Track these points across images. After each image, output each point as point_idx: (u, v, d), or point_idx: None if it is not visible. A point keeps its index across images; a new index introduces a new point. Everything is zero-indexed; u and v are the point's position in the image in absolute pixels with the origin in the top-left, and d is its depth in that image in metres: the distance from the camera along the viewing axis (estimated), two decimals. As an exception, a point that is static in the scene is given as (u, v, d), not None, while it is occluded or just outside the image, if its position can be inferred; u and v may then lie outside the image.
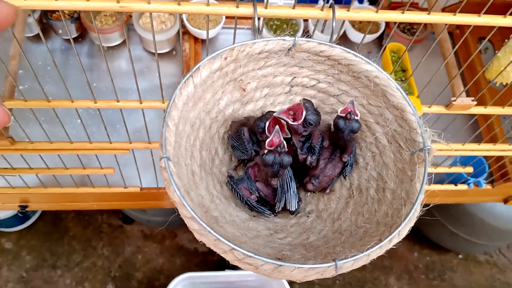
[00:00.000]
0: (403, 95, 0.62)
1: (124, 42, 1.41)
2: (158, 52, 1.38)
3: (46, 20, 1.35)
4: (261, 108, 0.70)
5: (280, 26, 1.38)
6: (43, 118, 1.29)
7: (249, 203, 0.64)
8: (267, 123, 0.62)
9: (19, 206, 1.21)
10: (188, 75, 0.61)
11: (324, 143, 0.66)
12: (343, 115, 0.64)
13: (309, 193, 0.70)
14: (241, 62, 0.65)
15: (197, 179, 0.60)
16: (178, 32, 1.37)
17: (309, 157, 0.65)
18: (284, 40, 0.64)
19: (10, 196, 1.17)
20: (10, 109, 0.96)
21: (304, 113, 0.60)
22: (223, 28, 1.39)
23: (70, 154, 1.00)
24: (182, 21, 1.36)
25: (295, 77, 0.69)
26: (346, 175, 0.67)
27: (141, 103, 0.84)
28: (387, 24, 1.46)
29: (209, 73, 0.62)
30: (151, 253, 2.25)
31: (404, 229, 0.54)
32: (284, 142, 0.59)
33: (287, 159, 0.60)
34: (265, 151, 0.60)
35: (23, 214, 1.30)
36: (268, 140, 0.60)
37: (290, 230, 0.63)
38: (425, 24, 1.48)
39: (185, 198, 0.52)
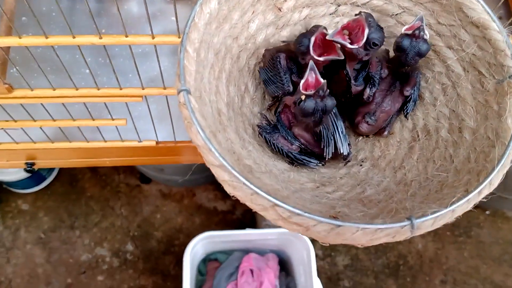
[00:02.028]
0: (485, 8, 0.48)
1: (135, -18, 1.27)
2: (172, -8, 1.24)
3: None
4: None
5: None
6: (49, 69, 1.18)
7: (292, 155, 0.52)
8: (312, 40, 0.48)
9: (26, 163, 1.12)
10: (210, -13, 0.48)
11: (382, 72, 0.53)
12: (409, 32, 0.50)
13: (360, 138, 0.57)
14: (277, -28, 0.51)
15: (224, 119, 0.48)
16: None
17: (367, 90, 0.52)
18: None
19: (14, 153, 1.06)
20: (7, 51, 0.84)
21: (366, 30, 0.46)
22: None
23: (78, 106, 0.88)
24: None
25: (342, -8, 0.56)
26: (408, 113, 0.54)
27: (153, 37, 0.70)
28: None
29: (237, -15, 0.48)
30: (170, 212, 2.20)
31: (497, 177, 0.41)
32: (325, 82, 0.46)
33: (330, 103, 0.47)
34: (302, 97, 0.47)
35: (31, 172, 1.21)
36: (302, 81, 0.47)
37: (340, 182, 0.51)
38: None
39: (212, 141, 0.40)
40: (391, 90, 0.53)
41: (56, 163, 1.20)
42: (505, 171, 0.42)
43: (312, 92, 0.46)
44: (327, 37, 0.47)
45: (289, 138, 0.51)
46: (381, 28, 0.48)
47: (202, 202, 2.30)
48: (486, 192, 0.41)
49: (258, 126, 0.53)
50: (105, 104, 0.91)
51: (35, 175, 1.90)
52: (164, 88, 0.85)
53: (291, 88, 0.52)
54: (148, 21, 0.68)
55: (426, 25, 0.54)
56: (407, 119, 0.55)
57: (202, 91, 0.45)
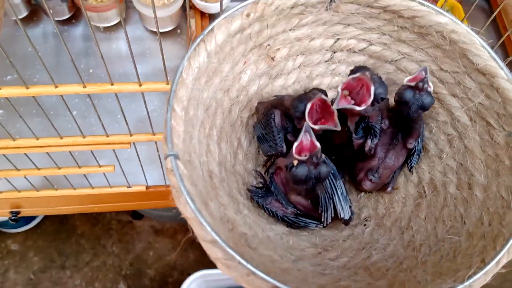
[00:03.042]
0: (491, 55, 0.45)
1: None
2: (160, 30, 1.21)
3: (35, 0, 1.19)
4: (294, 84, 0.54)
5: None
6: (34, 111, 1.15)
7: (288, 219, 0.48)
8: (308, 107, 0.44)
9: (10, 212, 1.07)
10: (198, 39, 0.45)
11: (383, 123, 0.49)
12: (412, 84, 0.47)
13: (362, 194, 0.53)
14: (268, 20, 0.48)
15: (217, 181, 0.44)
16: (183, 5, 1.20)
17: (368, 141, 0.48)
18: (325, -12, 0.47)
19: (-2, 202, 1.02)
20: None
21: (372, 88, 0.43)
22: (231, 1, 1.21)
23: (64, 152, 0.84)
24: (186, -7, 1.19)
25: (338, 38, 0.52)
26: (412, 167, 0.50)
27: (140, 85, 0.67)
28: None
29: (227, 37, 0.45)
30: (163, 249, 2.13)
31: (516, 245, 0.37)
32: (320, 148, 0.43)
33: (325, 170, 0.43)
34: (294, 162, 0.43)
35: (15, 221, 1.17)
36: (296, 144, 0.43)
37: (343, 245, 0.47)
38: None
39: (203, 213, 0.36)
40: (393, 144, 0.49)
41: (42, 210, 1.15)
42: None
43: (306, 157, 0.42)
44: (333, 107, 0.43)
45: (284, 202, 0.47)
46: (380, 78, 0.44)
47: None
48: (504, 261, 0.37)
49: (249, 190, 0.49)
50: (92, 152, 0.87)
51: (25, 213, 1.84)
52: (153, 134, 0.82)
53: (284, 149, 0.48)
54: (134, 68, 0.65)
55: (429, 72, 0.51)
56: (412, 173, 0.52)
57: (192, 152, 0.42)
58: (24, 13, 1.22)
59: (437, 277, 0.37)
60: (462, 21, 0.47)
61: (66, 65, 1.23)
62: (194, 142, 0.42)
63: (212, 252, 0.36)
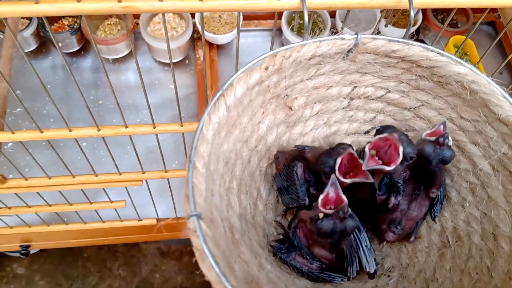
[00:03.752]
0: (513, 105, 0.45)
1: (131, 53, 1.25)
2: (169, 61, 1.22)
3: (44, 34, 1.20)
4: (312, 131, 0.54)
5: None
6: (44, 143, 1.15)
7: (313, 275, 0.47)
8: (339, 160, 0.44)
9: (21, 246, 1.06)
10: (218, 94, 0.44)
11: (405, 174, 0.49)
12: (432, 139, 0.47)
13: (384, 243, 0.52)
14: (286, 72, 0.48)
15: (238, 237, 0.44)
16: (192, 37, 1.21)
17: (392, 199, 0.48)
18: (342, 39, 0.47)
19: (9, 237, 1.01)
20: (-1, 145, 0.80)
21: (401, 149, 0.42)
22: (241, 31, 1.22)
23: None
24: (195, 26, 1.20)
25: (355, 86, 0.52)
26: (435, 216, 0.50)
27: (154, 127, 0.67)
28: (425, 15, 1.29)
29: (246, 90, 0.45)
30: (170, 271, 2.11)
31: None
32: (347, 203, 0.42)
33: (352, 224, 0.43)
34: (320, 214, 0.43)
35: (25, 255, 1.17)
36: (322, 196, 0.43)
37: (368, 298, 0.46)
38: (467, 15, 1.30)
39: (228, 276, 0.36)
40: (415, 194, 0.49)
41: (53, 244, 1.15)
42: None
43: (332, 211, 0.42)
44: (363, 168, 0.43)
45: (308, 257, 0.47)
46: (407, 137, 0.44)
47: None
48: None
49: (271, 246, 0.48)
50: (104, 189, 0.87)
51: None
52: (166, 171, 0.82)
53: (307, 202, 0.47)
54: (149, 109, 0.65)
55: (447, 119, 0.51)
56: (435, 222, 0.51)
57: (213, 209, 0.41)
58: (34, 46, 1.23)
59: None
60: (477, 64, 0.47)
61: (76, 96, 1.24)
62: (215, 198, 0.42)
63: (239, 319, 0.35)
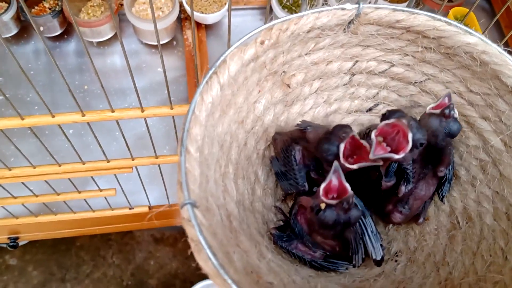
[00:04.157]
0: (527, 76, 0.42)
1: (116, 35, 1.21)
2: (155, 43, 1.17)
3: (24, 17, 1.15)
4: (311, 109, 0.50)
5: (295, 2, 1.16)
6: (29, 132, 1.10)
7: (317, 264, 0.44)
8: (342, 146, 0.41)
9: (8, 238, 1.03)
10: (210, 71, 0.41)
11: (413, 154, 0.46)
12: (437, 111, 0.44)
13: (390, 225, 0.50)
14: (284, 46, 0.45)
15: (236, 224, 0.40)
16: (178, 17, 1.16)
17: (402, 188, 0.45)
18: (343, 9, 0.44)
19: (-5, 229, 0.98)
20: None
21: (410, 135, 0.39)
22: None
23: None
24: (181, 5, 1.15)
25: (357, 61, 0.49)
26: (444, 196, 0.47)
27: (142, 111, 0.63)
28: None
29: (241, 67, 0.42)
30: (164, 258, 2.09)
31: None
32: (352, 194, 0.39)
33: (356, 215, 0.40)
34: (321, 205, 0.40)
35: (14, 247, 1.13)
36: (324, 185, 0.40)
37: (375, 285, 0.43)
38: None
39: (226, 268, 0.33)
40: (423, 173, 0.46)
41: (42, 235, 1.11)
42: None
43: (335, 202, 0.39)
44: (370, 157, 0.39)
45: (310, 245, 0.44)
46: (416, 122, 0.41)
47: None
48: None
49: (272, 234, 0.45)
50: (92, 177, 0.83)
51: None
52: (156, 157, 0.78)
53: (306, 187, 0.44)
54: (136, 92, 0.61)
55: (455, 93, 0.48)
56: (444, 202, 0.48)
57: (209, 196, 0.38)
58: (15, 31, 1.17)
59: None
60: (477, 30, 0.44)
61: (60, 82, 1.19)
62: (211, 184, 0.39)
63: (240, 313, 0.32)
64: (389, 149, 0.40)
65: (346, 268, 0.44)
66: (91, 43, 1.21)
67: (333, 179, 0.39)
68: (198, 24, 1.21)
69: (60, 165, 0.75)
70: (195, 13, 1.14)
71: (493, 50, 0.43)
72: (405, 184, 0.44)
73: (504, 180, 0.44)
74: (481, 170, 0.46)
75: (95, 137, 0.70)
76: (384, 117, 0.41)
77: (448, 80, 0.47)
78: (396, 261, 0.46)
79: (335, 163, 0.39)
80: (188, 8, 1.16)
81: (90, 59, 0.50)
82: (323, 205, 0.39)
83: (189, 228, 0.35)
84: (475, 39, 0.43)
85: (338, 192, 0.39)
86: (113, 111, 0.63)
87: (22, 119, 0.62)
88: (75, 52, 1.25)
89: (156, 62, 1.22)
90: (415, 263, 0.45)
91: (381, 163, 0.40)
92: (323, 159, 0.41)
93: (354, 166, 0.40)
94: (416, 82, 0.49)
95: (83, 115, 0.63)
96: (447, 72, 0.47)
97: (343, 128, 0.41)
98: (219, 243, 0.35)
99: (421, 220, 0.47)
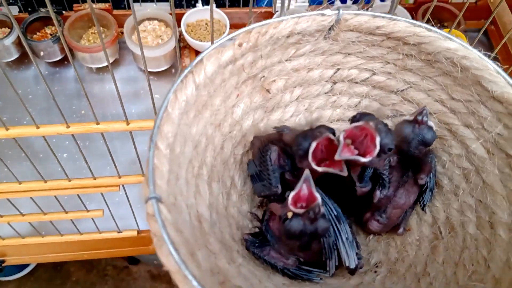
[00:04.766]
0: (508, 81, 0.41)
1: (116, 61, 1.22)
2: (155, 70, 1.19)
3: (26, 42, 1.17)
4: (292, 117, 0.50)
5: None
6: (23, 155, 1.10)
7: (289, 272, 0.43)
8: (314, 144, 0.39)
9: (-5, 261, 1.01)
10: (186, 70, 0.41)
11: (391, 159, 0.44)
12: (410, 118, 0.43)
13: (371, 236, 0.48)
14: (263, 50, 0.44)
15: (206, 226, 0.39)
16: (178, 46, 1.18)
17: (377, 193, 0.43)
18: (323, 15, 0.44)
19: (-19, 251, 0.96)
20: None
21: (377, 139, 0.38)
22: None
23: (49, 196, 0.79)
24: (181, 34, 1.17)
25: (338, 69, 0.49)
26: (425, 205, 0.45)
27: (128, 124, 0.63)
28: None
29: (218, 68, 0.41)
30: (161, 295, 2.04)
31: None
32: (320, 201, 0.37)
33: (323, 226, 0.38)
34: (289, 214, 0.38)
35: (0, 270, 1.12)
36: (293, 193, 0.38)
37: (352, 296, 0.41)
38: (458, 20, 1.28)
39: (188, 264, 0.31)
40: (403, 180, 0.45)
41: (29, 259, 1.09)
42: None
43: (302, 211, 0.37)
44: (335, 157, 0.38)
45: (283, 251, 0.42)
46: (388, 127, 0.40)
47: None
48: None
49: (244, 239, 0.43)
50: (78, 196, 0.82)
51: (19, 260, 1.79)
52: (143, 175, 0.77)
53: (279, 190, 0.42)
54: (121, 106, 0.61)
55: (437, 101, 0.47)
56: (425, 212, 0.47)
57: (178, 195, 0.37)
58: (16, 55, 1.19)
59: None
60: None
61: (60, 108, 1.20)
62: (181, 183, 0.38)
63: (200, 311, 0.31)
64: (356, 152, 0.38)
65: (321, 278, 0.42)
66: (90, 69, 1.23)
67: (303, 187, 0.37)
68: (197, 52, 1.23)
69: (46, 181, 0.74)
70: (193, 41, 1.15)
71: (474, 55, 0.42)
72: (380, 189, 0.43)
73: (487, 188, 0.43)
74: (464, 178, 0.45)
75: (81, 151, 0.69)
76: (354, 119, 0.40)
77: (430, 88, 0.47)
78: (375, 272, 0.44)
79: (306, 171, 0.37)
80: (187, 37, 1.18)
81: (79, 80, 0.51)
82: (290, 214, 0.37)
83: (152, 223, 0.34)
84: (456, 45, 0.43)
85: (307, 202, 0.38)
86: (98, 123, 0.63)
87: (7, 129, 0.62)
88: (74, 78, 1.26)
89: (154, 89, 1.23)
90: (395, 274, 0.43)
91: (345, 174, 0.38)
92: (295, 154, 0.40)
93: (319, 169, 0.38)
94: (398, 91, 0.48)
95: (68, 127, 0.63)
96: (428, 80, 0.46)
97: (322, 128, 0.40)
98: (183, 241, 0.34)
99: (401, 230, 0.46)
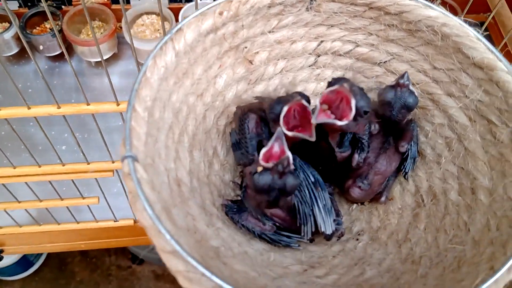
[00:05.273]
0: (488, 47, 0.41)
1: (115, 56, 1.23)
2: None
3: (25, 36, 1.18)
4: (276, 90, 0.50)
5: None
6: (22, 147, 1.11)
7: (267, 237, 0.43)
8: (285, 108, 0.39)
9: (-7, 250, 1.01)
10: (166, 37, 0.41)
11: (373, 127, 0.44)
12: (392, 83, 0.43)
13: (354, 206, 0.48)
14: (244, 20, 0.45)
15: (186, 191, 0.39)
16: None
17: (356, 156, 0.43)
18: (303, -16, 0.44)
19: (-21, 241, 0.97)
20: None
21: (353, 101, 0.38)
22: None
23: (46, 186, 0.80)
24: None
25: (322, 41, 0.49)
26: (407, 173, 0.45)
27: (118, 105, 0.64)
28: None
29: (198, 36, 0.42)
30: (164, 294, 2.04)
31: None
32: (290, 157, 0.37)
33: (292, 182, 0.38)
34: (258, 168, 0.38)
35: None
36: (265, 150, 0.38)
37: (333, 262, 0.41)
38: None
39: (162, 219, 0.31)
40: (384, 148, 0.45)
41: (27, 249, 1.09)
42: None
43: (271, 165, 0.37)
44: (312, 121, 0.38)
45: (260, 217, 0.42)
46: (363, 91, 0.40)
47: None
48: (518, 268, 0.31)
49: (223, 205, 0.43)
50: (73, 181, 0.82)
51: (23, 260, 1.80)
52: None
53: (256, 157, 0.43)
54: (111, 87, 0.62)
55: (420, 72, 0.47)
56: (408, 181, 0.47)
57: (156, 157, 0.37)
58: (16, 49, 1.20)
59: (439, 291, 0.32)
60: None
61: (58, 100, 1.21)
62: (159, 146, 0.38)
63: (173, 265, 0.31)
64: (333, 116, 0.38)
65: (299, 245, 0.42)
66: (90, 63, 1.24)
67: (275, 145, 0.37)
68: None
69: (40, 166, 0.75)
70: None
71: (454, 23, 0.42)
72: (359, 152, 0.43)
73: (469, 155, 0.42)
74: (446, 147, 0.45)
75: (73, 134, 0.70)
76: (330, 84, 0.40)
77: (413, 59, 0.47)
78: (357, 239, 0.44)
79: (279, 129, 0.38)
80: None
81: (70, 63, 0.51)
82: (259, 169, 0.37)
83: (128, 181, 0.34)
84: (436, 13, 0.43)
85: (279, 160, 0.38)
86: (88, 104, 0.64)
87: (-1, 110, 0.63)
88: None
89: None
90: (377, 241, 0.43)
91: (313, 139, 0.38)
92: (269, 118, 0.40)
93: (289, 133, 0.38)
94: (381, 62, 0.48)
95: (59, 107, 0.63)
96: (411, 50, 0.46)
97: (295, 94, 0.40)
98: (159, 199, 0.34)
99: (383, 198, 0.46)
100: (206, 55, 0.44)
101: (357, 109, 0.38)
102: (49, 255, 2.08)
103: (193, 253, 0.31)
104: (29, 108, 0.63)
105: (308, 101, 0.41)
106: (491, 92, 0.41)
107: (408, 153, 0.44)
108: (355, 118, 0.38)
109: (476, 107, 0.42)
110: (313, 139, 0.39)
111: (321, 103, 0.38)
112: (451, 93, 0.45)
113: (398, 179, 0.47)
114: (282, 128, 0.38)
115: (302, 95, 0.41)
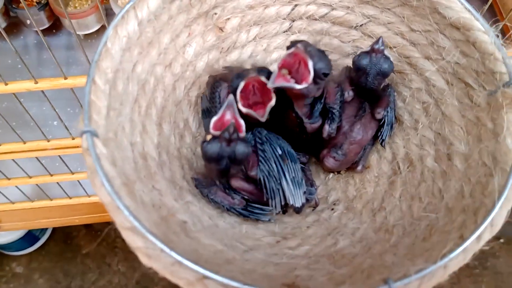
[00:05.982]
0: (464, 6, 0.39)
1: (103, 27, 1.20)
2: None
3: (12, 11, 1.16)
4: (250, 58, 0.48)
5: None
6: (14, 123, 1.10)
7: (236, 211, 0.42)
8: (242, 84, 0.38)
9: (-11, 227, 1.02)
10: (127, 5, 0.39)
11: (346, 94, 0.43)
12: (367, 49, 0.41)
13: (331, 175, 0.47)
14: (212, -16, 0.43)
15: (153, 165, 0.38)
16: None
17: (326, 127, 0.42)
18: None
19: (-26, 218, 0.97)
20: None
21: (310, 63, 0.36)
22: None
23: (35, 162, 0.80)
24: None
25: (296, 5, 0.47)
26: (384, 140, 0.44)
27: (96, 77, 0.62)
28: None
29: (162, 3, 0.40)
30: (170, 266, 2.08)
31: (499, 215, 0.31)
32: (242, 125, 0.37)
33: (242, 150, 0.37)
34: (207, 137, 0.38)
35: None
36: (215, 118, 0.38)
37: (306, 233, 0.40)
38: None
39: (121, 194, 0.31)
40: (360, 115, 0.43)
41: (22, 225, 1.10)
42: (510, 207, 0.32)
43: (218, 133, 0.36)
44: (268, 86, 0.36)
45: (228, 191, 0.41)
46: (323, 52, 0.38)
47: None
48: (487, 236, 0.30)
49: (193, 178, 0.43)
50: (60, 157, 0.82)
51: (29, 236, 1.82)
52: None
53: None
54: (86, 58, 0.60)
55: (397, 34, 0.45)
56: (385, 148, 0.45)
57: (119, 131, 0.36)
58: (3, 25, 1.18)
59: (408, 260, 0.31)
60: None
61: (48, 74, 1.19)
62: (122, 120, 0.37)
63: (132, 241, 0.30)
64: (293, 81, 0.37)
65: (269, 219, 0.41)
66: (78, 36, 1.21)
67: (227, 113, 0.36)
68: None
69: (25, 143, 0.74)
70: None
71: (430, -19, 0.40)
72: (329, 123, 0.41)
73: (445, 120, 0.41)
74: (424, 112, 0.43)
75: (54, 108, 0.69)
76: (288, 48, 0.38)
77: (389, 21, 0.45)
78: (332, 209, 0.43)
79: (230, 96, 0.36)
80: None
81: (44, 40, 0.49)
82: (208, 137, 0.37)
83: (87, 157, 0.33)
84: (412, -29, 0.41)
85: (225, 127, 0.37)
86: (65, 78, 0.62)
87: (-25, 87, 0.62)
88: (63, 46, 1.25)
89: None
90: (352, 211, 0.42)
91: (263, 120, 0.37)
92: (230, 91, 0.39)
93: (243, 109, 0.37)
94: (357, 26, 0.46)
95: (36, 83, 0.62)
96: (387, 12, 0.44)
97: (254, 69, 0.39)
98: (120, 174, 0.33)
99: (360, 167, 0.44)
100: (173, 23, 0.42)
101: (316, 71, 0.36)
102: (54, 229, 2.10)
103: (153, 229, 0.30)
104: (6, 84, 0.62)
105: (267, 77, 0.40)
106: (468, 53, 0.39)
107: (384, 120, 0.43)
108: (315, 82, 0.36)
109: (454, 70, 0.41)
110: (263, 119, 0.37)
111: (280, 68, 0.37)
112: (429, 56, 0.43)
113: (375, 146, 0.46)
114: (238, 104, 0.37)
115: (263, 70, 0.39)
